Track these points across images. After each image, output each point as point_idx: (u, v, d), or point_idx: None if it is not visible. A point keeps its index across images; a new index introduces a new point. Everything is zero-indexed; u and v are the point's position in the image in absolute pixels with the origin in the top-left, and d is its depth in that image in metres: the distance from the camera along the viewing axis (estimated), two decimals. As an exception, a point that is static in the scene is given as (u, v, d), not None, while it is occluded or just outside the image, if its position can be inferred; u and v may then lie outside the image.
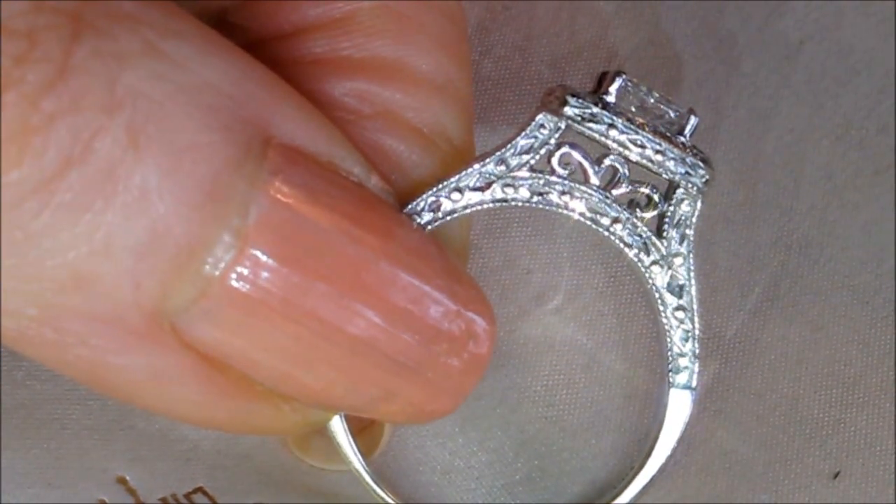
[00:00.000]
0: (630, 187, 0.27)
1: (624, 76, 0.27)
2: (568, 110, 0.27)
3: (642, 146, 0.27)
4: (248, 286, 0.23)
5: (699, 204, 0.27)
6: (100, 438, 0.30)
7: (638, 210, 0.27)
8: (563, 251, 0.32)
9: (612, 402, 0.32)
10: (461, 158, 0.28)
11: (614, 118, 0.27)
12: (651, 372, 0.32)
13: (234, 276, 0.23)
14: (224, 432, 0.30)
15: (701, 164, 0.27)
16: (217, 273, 0.23)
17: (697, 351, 0.28)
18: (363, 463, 0.28)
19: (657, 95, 0.27)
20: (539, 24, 0.34)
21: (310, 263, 0.23)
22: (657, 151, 0.27)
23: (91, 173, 0.22)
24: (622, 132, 0.27)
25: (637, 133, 0.27)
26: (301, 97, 0.25)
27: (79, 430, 0.30)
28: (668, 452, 0.28)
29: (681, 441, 0.28)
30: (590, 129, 0.27)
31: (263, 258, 0.23)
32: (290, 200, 0.23)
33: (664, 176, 0.27)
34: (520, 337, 0.32)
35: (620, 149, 0.27)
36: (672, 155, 0.27)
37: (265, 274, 0.23)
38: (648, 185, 0.27)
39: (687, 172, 0.27)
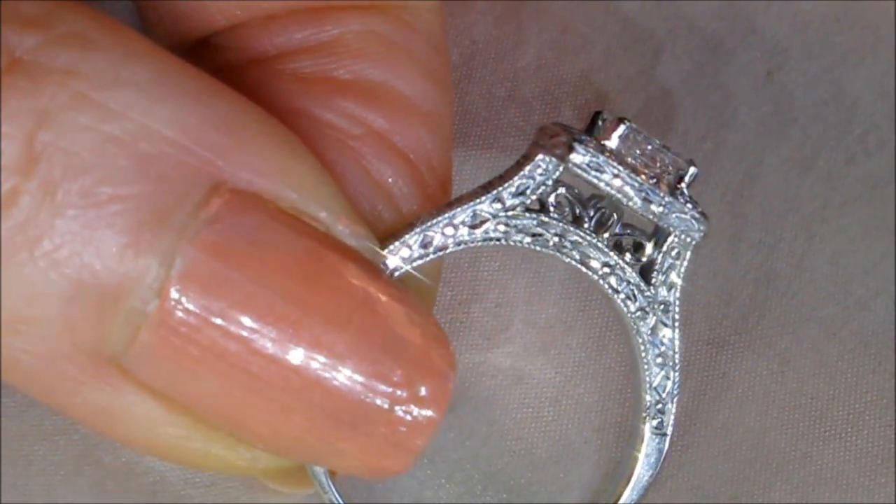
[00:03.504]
0: (622, 231, 0.27)
1: (627, 123, 0.27)
2: (575, 157, 0.26)
3: (647, 199, 0.27)
4: (171, 335, 0.23)
5: (689, 254, 0.27)
6: (66, 474, 0.30)
7: (627, 254, 0.27)
8: (532, 285, 0.32)
9: (581, 435, 0.32)
10: (442, 188, 0.28)
11: (619, 168, 0.26)
12: (619, 405, 0.32)
13: (157, 323, 0.23)
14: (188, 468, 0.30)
15: (701, 218, 0.27)
16: (143, 320, 0.23)
17: (676, 397, 0.28)
18: (332, 487, 0.28)
19: (657, 143, 0.27)
20: (520, 62, 0.33)
21: (236, 316, 0.23)
22: (660, 205, 0.27)
23: (10, 227, 0.22)
24: (626, 183, 0.27)
25: (641, 185, 0.27)
26: (276, 133, 0.25)
27: (45, 467, 0.30)
28: (636, 497, 0.28)
29: (652, 483, 0.28)
30: (596, 177, 0.26)
31: (185, 308, 0.23)
32: (223, 252, 0.23)
33: (662, 226, 0.27)
34: (489, 370, 0.32)
35: (624, 199, 0.27)
36: (674, 209, 0.27)
37: (188, 324, 0.23)
38: (639, 230, 0.27)
39: (687, 227, 0.27)
